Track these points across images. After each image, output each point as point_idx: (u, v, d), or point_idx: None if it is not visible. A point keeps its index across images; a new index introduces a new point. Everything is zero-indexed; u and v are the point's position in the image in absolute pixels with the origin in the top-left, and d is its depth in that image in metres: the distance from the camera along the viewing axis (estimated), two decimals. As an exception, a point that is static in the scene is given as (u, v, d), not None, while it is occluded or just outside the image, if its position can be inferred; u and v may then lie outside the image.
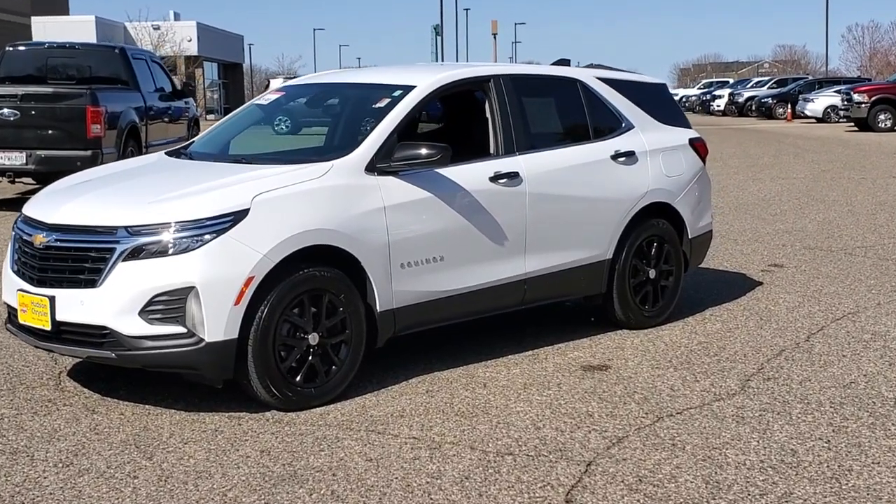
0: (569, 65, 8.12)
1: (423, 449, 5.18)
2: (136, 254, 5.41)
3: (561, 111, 7.39)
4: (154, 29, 61.69)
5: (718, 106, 59.40)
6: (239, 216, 5.49)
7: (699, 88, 74.38)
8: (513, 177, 6.65)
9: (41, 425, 5.52)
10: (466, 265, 6.44)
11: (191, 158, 6.68)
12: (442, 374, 6.45)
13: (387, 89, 6.60)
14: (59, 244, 5.62)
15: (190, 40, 64.05)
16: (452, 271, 6.36)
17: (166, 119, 16.08)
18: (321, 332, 5.78)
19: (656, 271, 7.57)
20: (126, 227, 5.46)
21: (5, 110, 13.05)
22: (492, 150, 6.77)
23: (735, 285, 9.11)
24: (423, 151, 6.07)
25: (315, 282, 5.72)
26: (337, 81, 7.47)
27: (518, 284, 6.76)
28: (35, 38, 26.51)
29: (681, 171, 7.74)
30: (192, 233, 5.41)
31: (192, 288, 5.35)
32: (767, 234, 12.12)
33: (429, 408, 5.80)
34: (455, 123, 7.60)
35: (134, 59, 15.23)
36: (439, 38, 77.78)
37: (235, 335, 5.44)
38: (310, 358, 5.75)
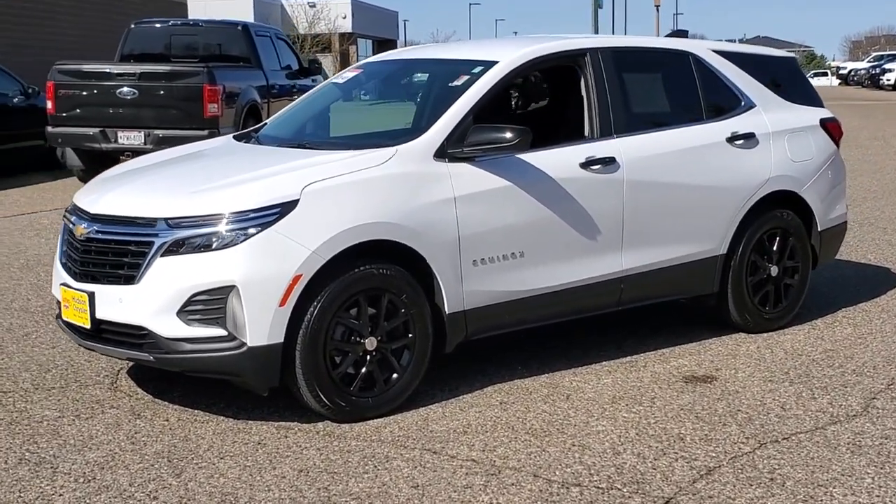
0: (686, 37, 7.32)
1: (480, 475, 4.57)
2: (175, 248, 4.94)
3: (669, 88, 6.61)
4: (310, 6, 62.35)
5: (888, 80, 56.29)
6: (287, 208, 4.96)
7: (868, 62, 70.85)
8: (608, 162, 5.93)
9: (78, 431, 5.12)
10: (551, 262, 5.77)
11: (258, 142, 6.19)
12: (523, 382, 5.81)
13: (467, 65, 5.96)
14: (99, 236, 5.20)
15: (345, 17, 64.50)
16: (534, 269, 5.71)
17: (291, 97, 15.76)
18: (380, 335, 5.22)
19: (779, 268, 6.73)
20: (166, 219, 4.99)
21: (125, 89, 12.93)
22: (587, 133, 6.06)
23: (876, 282, 8.15)
24: (499, 135, 5.43)
25: (373, 280, 5.15)
26: (418, 57, 6.85)
27: (613, 283, 6.04)
28: (192, 18, 26.68)
29: (809, 156, 6.87)
30: (236, 226, 4.91)
31: (232, 287, 4.85)
32: (922, 223, 10.98)
33: (498, 423, 5.18)
34: (547, 103, 6.91)
35: (257, 37, 14.95)
36: (600, 10, 76.20)
37: (281, 339, 4.93)
38: (367, 364, 5.19)
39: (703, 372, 5.97)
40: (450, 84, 5.88)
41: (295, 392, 5.13)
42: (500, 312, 5.65)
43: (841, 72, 79.93)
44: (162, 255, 4.93)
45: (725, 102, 6.62)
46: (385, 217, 5.16)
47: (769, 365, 6.08)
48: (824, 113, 7.14)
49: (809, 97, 7.17)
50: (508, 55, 5.92)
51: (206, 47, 15.04)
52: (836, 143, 7.11)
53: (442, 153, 5.44)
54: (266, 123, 6.60)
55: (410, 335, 5.32)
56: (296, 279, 4.90)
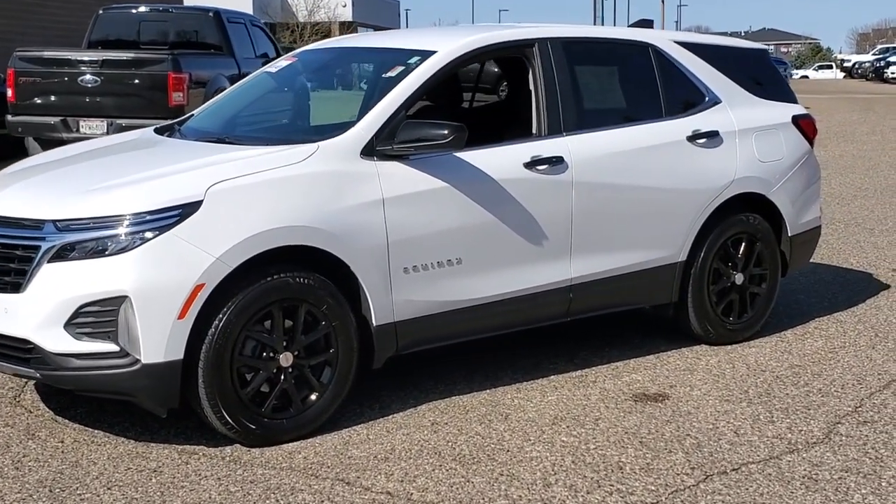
0: (651, 27, 6.85)
1: (391, 510, 4.12)
2: (65, 253, 4.47)
3: (626, 83, 6.13)
4: (310, -6, 61.73)
5: (893, 73, 55.65)
6: (189, 210, 4.50)
7: (873, 54, 70.19)
8: (555, 162, 5.47)
9: (-37, 453, 4.68)
10: (492, 270, 5.31)
11: (181, 135, 5.73)
12: (461, 399, 5.35)
13: (403, 55, 5.49)
14: (-14, 239, 4.74)
15: (345, 6, 63.91)
16: (473, 277, 5.25)
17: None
18: (297, 350, 4.77)
19: (744, 276, 6.27)
20: (54, 221, 4.52)
21: (87, 76, 12.45)
22: (534, 130, 5.60)
23: (856, 288, 7.68)
24: (432, 132, 4.97)
25: (289, 290, 4.70)
26: (355, 46, 6.37)
27: (561, 292, 5.59)
28: (162, 4, 26.12)
29: (779, 156, 6.39)
30: (132, 230, 4.44)
31: (124, 297, 4.39)
32: (911, 223, 10.50)
33: (425, 448, 4.72)
34: (498, 98, 6.45)
35: (230, 23, 14.43)
36: (601, 0, 75.46)
37: (180, 356, 4.47)
38: (281, 382, 4.74)
39: (655, 389, 5.51)
40: (383, 75, 5.42)
41: (199, 413, 4.68)
42: (435, 324, 5.19)
43: (845, 64, 79.33)
44: (49, 261, 4.47)
45: (688, 98, 6.15)
46: (302, 220, 4.70)
47: (728, 382, 5.62)
48: (797, 109, 6.66)
49: (782, 92, 6.69)
50: (448, 45, 5.45)
51: (177, 34, 14.53)
52: (810, 141, 6.64)
53: (370, 151, 4.98)
54: (192, 115, 6.13)
55: (332, 350, 4.87)
56: (197, 289, 4.45)
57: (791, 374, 5.74)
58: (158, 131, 5.89)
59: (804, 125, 6.59)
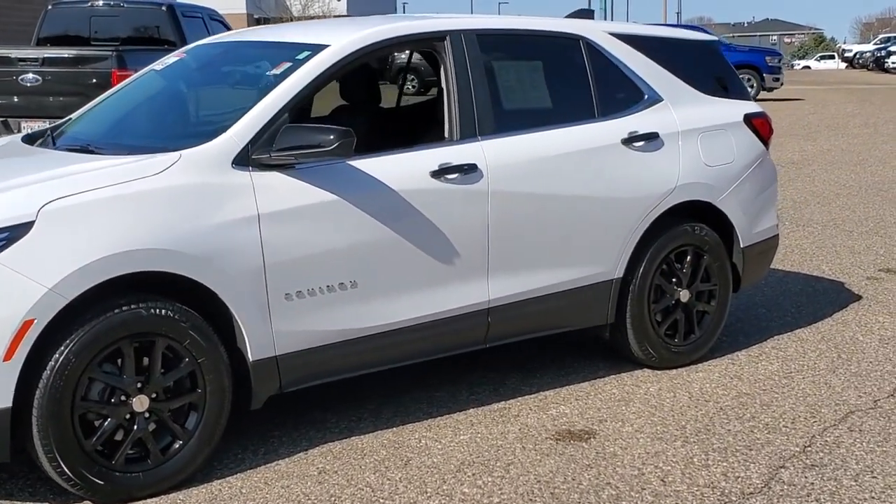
0: (591, 17, 6.20)
1: (238, 589, 3.50)
2: None
3: (553, 80, 5.47)
4: (304, -13, 61.07)
5: (894, 63, 54.82)
6: (17, 233, 3.88)
7: (874, 44, 69.36)
8: (468, 170, 4.84)
9: None
10: (394, 293, 4.69)
11: (51, 143, 5.09)
12: (362, 440, 4.73)
13: (292, 49, 4.86)
14: None
15: (339, 0, 63.24)
16: (371, 302, 4.63)
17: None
18: (154, 393, 4.14)
19: (691, 293, 5.65)
20: None
21: (28, 75, 11.83)
22: (446, 135, 4.97)
23: (824, 300, 7.05)
24: (315, 137, 4.35)
25: (141, 324, 4.07)
26: (246, 40, 5.72)
27: (477, 317, 4.96)
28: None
29: (729, 158, 5.76)
30: (-51, 257, 3.83)
31: (-62, 337, 3.78)
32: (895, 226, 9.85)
33: (300, 504, 4.10)
34: (414, 99, 5.82)
35: (185, 17, 13.81)
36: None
37: (8, 403, 3.85)
38: (135, 430, 4.12)
39: (582, 425, 4.88)
40: (268, 73, 4.79)
41: (38, 466, 4.06)
42: (326, 357, 4.57)
43: (847, 55, 78.44)
44: None
45: (624, 96, 5.52)
46: (156, 242, 4.08)
47: (665, 415, 4.99)
48: (750, 107, 6.02)
49: (735, 89, 6.05)
50: (342, 39, 4.82)
51: (131, 29, 13.91)
52: (765, 142, 6.00)
53: (244, 160, 4.36)
54: (69, 119, 5.50)
55: (198, 391, 4.24)
56: (26, 325, 3.82)
57: (737, 406, 5.11)
58: (29, 138, 5.26)
59: (758, 124, 5.95)
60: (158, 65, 5.57)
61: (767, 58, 29.40)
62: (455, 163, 4.82)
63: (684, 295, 5.61)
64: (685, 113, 5.63)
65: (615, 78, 5.50)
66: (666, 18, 75.00)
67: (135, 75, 5.70)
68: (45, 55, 11.93)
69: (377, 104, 6.02)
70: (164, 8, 13.81)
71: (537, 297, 5.11)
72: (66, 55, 11.97)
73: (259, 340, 4.35)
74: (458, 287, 4.87)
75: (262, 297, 4.33)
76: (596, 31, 5.54)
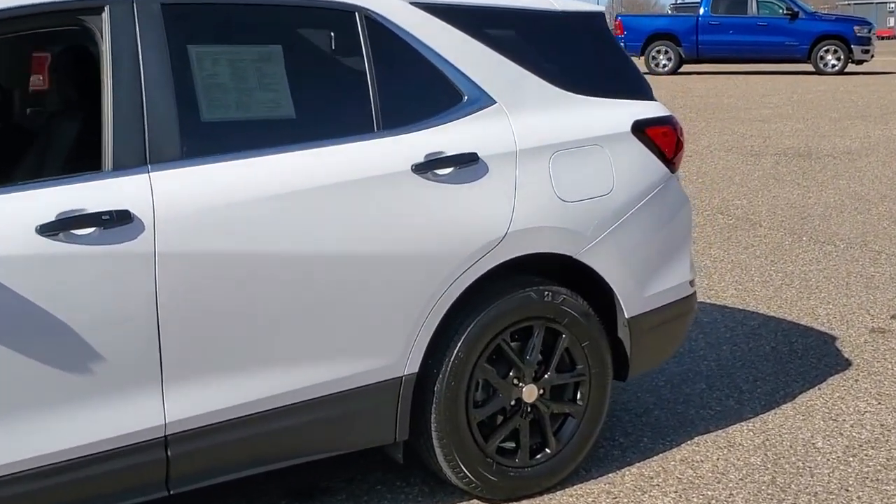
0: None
1: None
2: None
3: (301, 75, 3.55)
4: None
5: None
6: None
7: None
8: (112, 221, 3.04)
9: None
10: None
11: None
12: None
13: None
14: None
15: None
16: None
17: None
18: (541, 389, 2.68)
19: (540, 388, 3.78)
20: None
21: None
22: (102, 163, 3.18)
23: (795, 368, 5.12)
24: None
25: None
26: None
27: (146, 451, 3.17)
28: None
29: (604, 189, 3.86)
30: None
31: None
32: (936, 243, 7.75)
33: None
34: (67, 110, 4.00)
35: None
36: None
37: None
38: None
39: None
40: None
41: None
42: None
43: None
44: None
45: (428, 99, 3.65)
46: None
47: None
48: (645, 110, 4.08)
49: (624, 83, 4.12)
50: None
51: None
52: (667, 161, 4.07)
53: None
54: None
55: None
56: None
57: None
58: None
59: (655, 135, 4.02)
60: None
61: (856, 27, 26.89)
62: (90, 210, 3.03)
63: (529, 393, 3.74)
64: (530, 121, 3.74)
65: (415, 70, 3.63)
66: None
67: None
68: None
69: (10, 118, 4.28)
70: None
71: (257, 415, 3.31)
72: None
73: None
74: (103, 407, 3.08)
75: None
76: (388, 2, 3.67)
